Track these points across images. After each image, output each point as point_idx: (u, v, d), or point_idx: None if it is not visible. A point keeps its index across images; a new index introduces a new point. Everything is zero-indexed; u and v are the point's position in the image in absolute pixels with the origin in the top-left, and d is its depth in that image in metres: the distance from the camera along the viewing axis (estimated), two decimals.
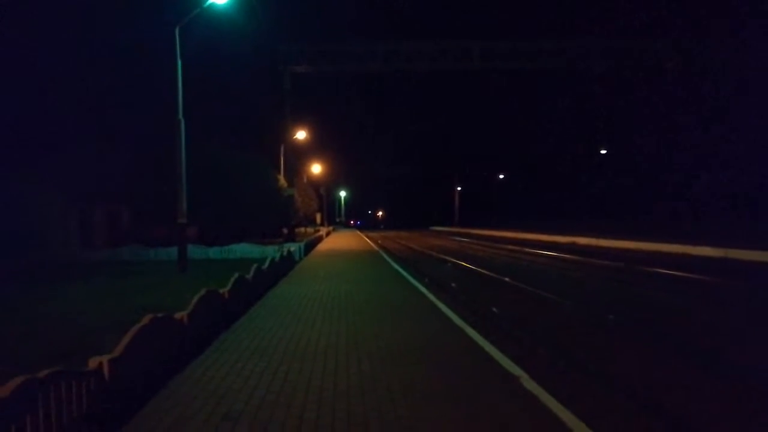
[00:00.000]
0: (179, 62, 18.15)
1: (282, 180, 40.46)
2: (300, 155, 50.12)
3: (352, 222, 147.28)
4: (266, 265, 14.12)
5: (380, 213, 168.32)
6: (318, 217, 73.50)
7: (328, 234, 59.62)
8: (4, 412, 3.40)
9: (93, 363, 4.73)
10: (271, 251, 22.99)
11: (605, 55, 39.72)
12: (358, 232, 77.71)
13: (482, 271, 20.06)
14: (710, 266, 19.75)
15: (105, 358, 4.81)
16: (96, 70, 27.28)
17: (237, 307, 9.95)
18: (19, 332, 8.96)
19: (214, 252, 25.66)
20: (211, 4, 18.13)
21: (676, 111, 45.94)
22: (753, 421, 5.48)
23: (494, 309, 11.75)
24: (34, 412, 3.69)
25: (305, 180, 61.47)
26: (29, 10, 23.60)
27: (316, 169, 67.13)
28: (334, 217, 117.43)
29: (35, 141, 24.38)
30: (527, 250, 31.78)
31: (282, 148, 41.47)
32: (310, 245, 31.66)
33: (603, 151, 66.91)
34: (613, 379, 6.69)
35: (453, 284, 16.29)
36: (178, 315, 6.90)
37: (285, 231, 38.58)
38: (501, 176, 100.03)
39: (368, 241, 46.12)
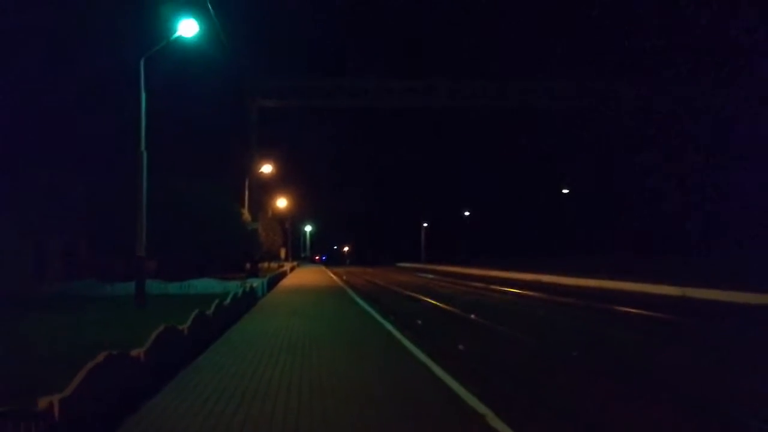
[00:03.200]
0: (143, 94, 17.99)
1: (246, 214, 40.02)
2: (265, 189, 49.82)
3: (317, 257, 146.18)
4: (228, 300, 13.84)
5: (346, 248, 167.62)
6: (282, 252, 72.73)
7: (292, 269, 58.96)
8: None
9: (43, 403, 4.49)
10: (234, 287, 22.52)
11: (567, 95, 41.13)
12: (324, 268, 77.13)
13: (448, 308, 20.06)
14: (669, 305, 20.19)
15: (55, 398, 4.57)
16: (56, 99, 26.79)
17: (197, 344, 9.67)
18: None
19: (173, 287, 25.01)
20: (179, 38, 18.13)
21: (634, 150, 47.58)
22: None
23: (460, 346, 11.71)
24: None
25: (270, 214, 60.97)
26: None
27: (282, 203, 66.74)
28: (299, 252, 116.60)
29: None
30: (493, 287, 31.99)
31: (247, 182, 41.17)
32: (274, 281, 31.20)
33: (565, 191, 68.52)
34: (577, 416, 6.69)
35: (419, 321, 16.23)
36: (134, 352, 6.66)
37: (248, 266, 37.98)
38: (466, 213, 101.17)
39: (333, 276, 45.77)
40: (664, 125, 44.44)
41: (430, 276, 50.12)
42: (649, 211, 48.95)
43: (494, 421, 5.78)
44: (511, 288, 30.50)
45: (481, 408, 6.24)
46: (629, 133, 46.28)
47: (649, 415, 6.85)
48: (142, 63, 18.01)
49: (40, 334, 12.16)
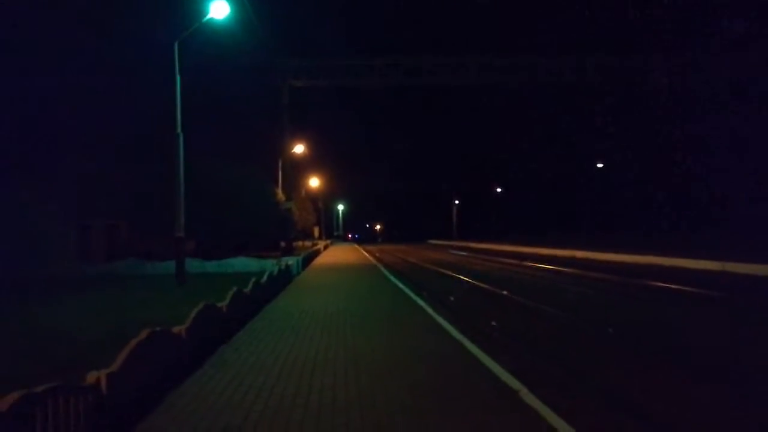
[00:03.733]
0: (178, 77, 18.27)
1: (280, 193, 40.51)
2: (298, 169, 50.25)
3: (349, 235, 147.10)
4: (264, 279, 14.10)
5: (378, 226, 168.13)
6: (316, 230, 73.53)
7: (326, 247, 59.55)
8: (3, 427, 3.38)
9: (91, 378, 4.71)
10: (269, 265, 22.92)
11: (600, 72, 40.10)
12: (356, 246, 77.65)
13: (481, 284, 20.03)
14: (709, 280, 19.74)
15: (103, 373, 4.78)
16: (95, 84, 27.38)
17: (235, 321, 9.92)
18: (16, 346, 8.92)
19: (211, 266, 25.59)
20: (210, 20, 18.28)
21: (667, 126, 46.41)
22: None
23: (493, 323, 11.73)
24: (31, 428, 3.67)
25: (303, 193, 61.52)
26: (31, 19, 23.68)
27: (314, 182, 67.23)
28: (332, 231, 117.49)
29: (34, 155, 24.40)
30: (526, 263, 31.76)
31: (280, 162, 41.56)
32: (308, 259, 31.60)
33: (599, 165, 67.16)
34: (612, 392, 6.67)
35: (451, 298, 16.27)
36: (176, 329, 6.88)
37: (283, 244, 38.54)
38: (498, 190, 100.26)
39: (366, 254, 46.07)
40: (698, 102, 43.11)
41: (462, 253, 50.00)
42: (680, 187, 47.82)
43: (528, 396, 5.81)
44: (545, 264, 30.22)
45: (515, 384, 6.27)
46: (663, 110, 45.08)
47: (688, 394, 6.78)
48: (176, 46, 18.26)
49: (85, 313, 12.65)
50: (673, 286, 17.99)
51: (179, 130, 18.28)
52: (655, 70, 39.86)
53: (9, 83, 22.68)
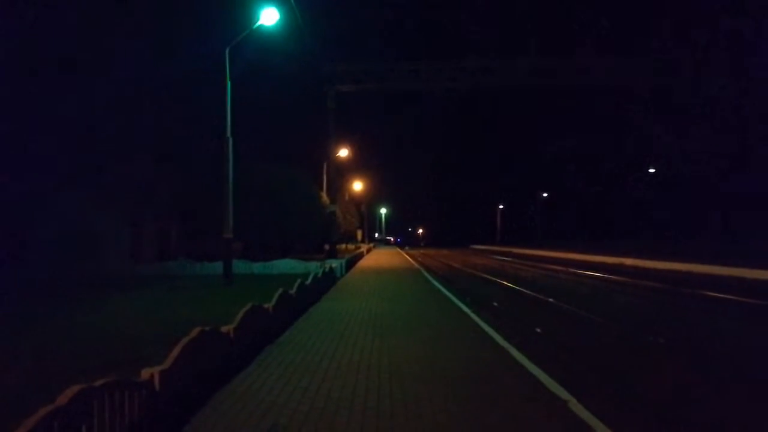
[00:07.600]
0: (228, 82, 18.72)
1: (324, 197, 40.92)
2: (342, 172, 50.63)
3: (392, 239, 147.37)
4: (309, 280, 14.26)
5: (420, 230, 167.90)
6: (359, 233, 73.91)
7: (368, 251, 59.80)
8: (63, 419, 3.53)
9: (145, 374, 4.86)
10: (314, 267, 23.19)
11: (648, 72, 39.04)
12: (399, 250, 77.65)
13: (525, 291, 19.73)
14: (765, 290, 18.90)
15: (156, 370, 4.93)
16: (149, 89, 28.31)
17: (281, 322, 10.07)
18: (73, 343, 9.29)
19: (258, 267, 26.08)
20: (260, 26, 18.66)
21: (720, 131, 44.69)
22: None
23: (538, 330, 11.54)
24: (89, 420, 3.81)
25: (347, 197, 61.96)
26: (84, 27, 24.55)
27: (358, 186, 67.64)
28: (375, 234, 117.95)
29: (90, 158, 25.36)
30: (572, 270, 31.12)
31: (325, 166, 42.01)
32: (351, 262, 31.80)
33: (651, 170, 65.12)
34: (664, 405, 6.45)
35: (495, 304, 16.08)
36: (224, 328, 7.02)
37: (327, 247, 38.92)
38: (544, 194, 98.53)
39: (409, 258, 46.02)
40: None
41: (506, 258, 49.36)
42: (733, 191, 46.04)
43: (577, 407, 5.68)
44: (592, 271, 29.53)
45: (564, 394, 6.14)
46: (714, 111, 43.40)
47: (744, 407, 6.50)
48: (227, 52, 18.71)
49: (138, 312, 13.07)
50: (728, 296, 17.30)
51: (229, 134, 18.72)
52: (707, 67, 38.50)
53: (68, 90, 23.67)
